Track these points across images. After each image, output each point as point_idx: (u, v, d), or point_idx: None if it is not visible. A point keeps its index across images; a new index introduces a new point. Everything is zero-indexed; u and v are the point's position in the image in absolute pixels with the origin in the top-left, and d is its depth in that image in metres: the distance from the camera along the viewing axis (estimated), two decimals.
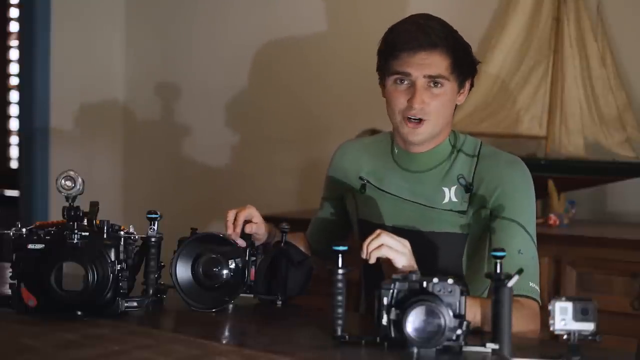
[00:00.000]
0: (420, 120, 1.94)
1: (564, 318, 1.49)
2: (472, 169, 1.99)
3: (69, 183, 1.83)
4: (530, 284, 1.87)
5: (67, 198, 1.83)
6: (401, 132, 1.98)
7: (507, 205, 1.92)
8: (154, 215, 1.91)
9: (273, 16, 4.25)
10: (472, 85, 2.03)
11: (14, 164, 5.69)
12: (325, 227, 2.23)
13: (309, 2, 4.15)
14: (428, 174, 2.01)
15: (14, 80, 5.60)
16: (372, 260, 1.74)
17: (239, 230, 1.97)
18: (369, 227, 2.05)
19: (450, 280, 1.55)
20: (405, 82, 1.94)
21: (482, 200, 1.96)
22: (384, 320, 1.56)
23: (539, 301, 1.89)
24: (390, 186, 2.05)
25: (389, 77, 1.96)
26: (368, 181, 2.09)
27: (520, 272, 1.57)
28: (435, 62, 1.91)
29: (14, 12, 5.65)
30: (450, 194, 1.99)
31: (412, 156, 2.03)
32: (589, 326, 1.49)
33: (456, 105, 2.02)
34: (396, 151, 2.06)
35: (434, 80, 1.92)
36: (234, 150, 4.39)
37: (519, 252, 1.89)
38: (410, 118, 1.94)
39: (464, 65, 1.96)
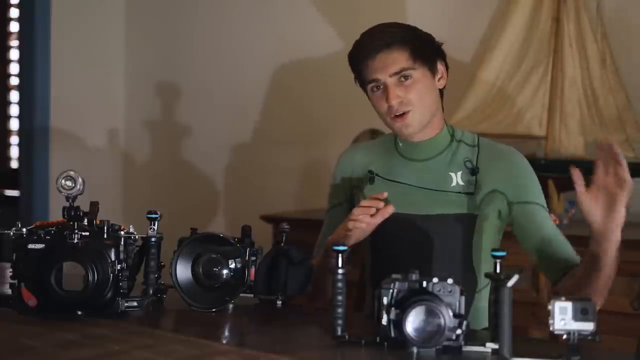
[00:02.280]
0: (403, 114, 2.05)
1: (564, 318, 1.49)
2: (475, 156, 2.10)
3: (69, 183, 1.83)
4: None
5: (67, 198, 1.83)
6: (395, 131, 2.11)
7: (525, 191, 2.07)
8: (154, 215, 1.91)
9: (273, 18, 4.25)
10: (447, 68, 2.12)
11: (14, 164, 5.69)
12: None
13: (309, 5, 4.15)
14: (433, 161, 2.11)
15: (14, 80, 5.60)
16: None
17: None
18: None
19: (450, 280, 1.55)
20: (381, 87, 2.06)
21: (490, 184, 2.06)
22: (384, 320, 1.56)
23: None
24: (399, 176, 2.13)
25: (366, 87, 2.10)
26: (377, 174, 2.16)
27: (520, 271, 1.57)
28: (394, 59, 2.04)
29: (14, 12, 5.65)
30: (457, 178, 2.09)
31: (415, 145, 2.12)
32: (588, 326, 1.49)
33: (442, 91, 2.12)
34: (400, 144, 2.15)
35: (400, 75, 2.04)
36: (234, 151, 4.39)
37: (556, 228, 2.06)
38: (396, 115, 2.06)
39: (426, 50, 2.07)
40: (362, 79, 2.09)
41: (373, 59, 2.04)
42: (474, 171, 2.08)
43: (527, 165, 2.10)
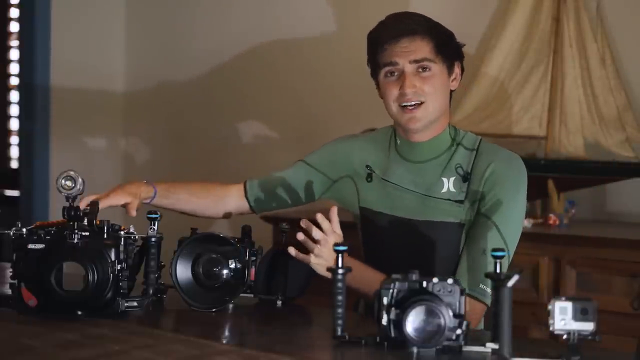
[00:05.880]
0: (416, 105, 1.99)
1: (564, 318, 1.49)
2: (471, 162, 2.02)
3: (69, 183, 1.83)
4: (481, 285, 1.91)
5: (67, 198, 1.83)
6: (400, 122, 2.04)
7: (491, 203, 1.97)
8: (154, 215, 1.91)
9: (273, 15, 4.25)
10: (462, 71, 2.09)
11: (14, 164, 5.69)
12: (287, 186, 2.21)
13: (309, 2, 4.15)
14: (429, 164, 2.05)
15: (14, 80, 5.60)
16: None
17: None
18: (369, 215, 2.10)
19: (450, 280, 1.55)
20: (395, 73, 2.01)
21: (477, 193, 1.99)
22: (384, 320, 1.56)
23: (487, 304, 1.91)
24: (393, 176, 2.09)
25: (380, 71, 2.03)
26: (374, 171, 2.12)
27: (520, 271, 1.57)
28: (418, 47, 1.99)
29: (14, 12, 5.65)
30: (449, 184, 2.02)
31: (413, 145, 2.07)
32: (588, 326, 1.49)
33: (451, 93, 2.08)
34: (398, 142, 2.10)
35: (420, 64, 1.99)
36: (234, 150, 4.39)
37: (483, 252, 1.93)
38: (406, 105, 2.00)
39: (448, 48, 2.03)
40: (377, 62, 2.02)
41: (395, 43, 1.98)
42: (465, 178, 2.01)
43: (516, 183, 1.98)
